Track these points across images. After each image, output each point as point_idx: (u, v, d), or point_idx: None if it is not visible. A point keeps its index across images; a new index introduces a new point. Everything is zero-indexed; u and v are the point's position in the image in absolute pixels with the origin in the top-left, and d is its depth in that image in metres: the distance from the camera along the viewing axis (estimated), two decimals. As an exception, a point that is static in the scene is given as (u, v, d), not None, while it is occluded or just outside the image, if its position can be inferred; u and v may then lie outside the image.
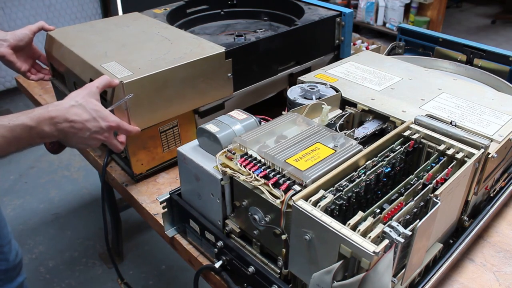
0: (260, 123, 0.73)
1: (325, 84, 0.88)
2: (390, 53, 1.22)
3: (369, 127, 0.78)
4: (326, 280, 0.51)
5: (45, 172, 2.33)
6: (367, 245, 0.47)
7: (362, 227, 0.50)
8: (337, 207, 0.55)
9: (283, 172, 0.59)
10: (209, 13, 1.34)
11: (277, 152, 0.62)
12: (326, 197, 0.55)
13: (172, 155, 0.99)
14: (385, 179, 0.62)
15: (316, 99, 0.82)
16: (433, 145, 0.68)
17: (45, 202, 2.12)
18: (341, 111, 0.83)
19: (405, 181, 0.61)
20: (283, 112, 0.77)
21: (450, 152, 0.66)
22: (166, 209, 0.78)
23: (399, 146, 0.68)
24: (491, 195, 0.81)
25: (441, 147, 0.67)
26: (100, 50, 0.96)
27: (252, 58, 1.02)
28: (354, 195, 0.57)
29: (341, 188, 0.57)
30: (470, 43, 1.11)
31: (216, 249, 0.71)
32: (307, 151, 0.63)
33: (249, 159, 0.62)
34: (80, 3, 3.05)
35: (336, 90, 0.86)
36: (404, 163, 0.67)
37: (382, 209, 0.55)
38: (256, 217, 0.62)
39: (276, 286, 0.61)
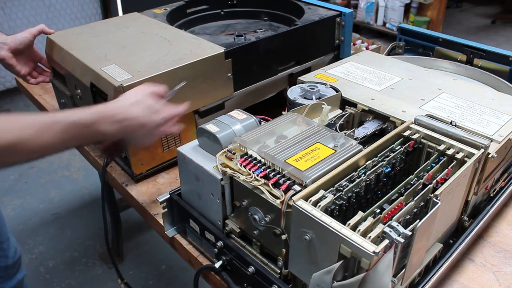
0: (260, 123, 0.73)
1: (325, 84, 0.88)
2: (390, 53, 1.22)
3: (369, 127, 0.78)
4: (326, 280, 0.51)
5: (45, 172, 2.33)
6: (367, 245, 0.47)
7: (362, 227, 0.50)
8: (337, 207, 0.55)
9: (283, 172, 0.59)
10: (209, 13, 1.34)
11: (277, 152, 0.62)
12: (326, 197, 0.55)
13: (172, 155, 0.99)
14: (385, 179, 0.62)
15: (316, 99, 0.82)
16: (433, 145, 0.68)
17: (45, 202, 2.12)
18: (341, 111, 0.83)
19: (405, 181, 0.61)
20: (283, 112, 0.77)
21: (450, 152, 0.66)
22: (166, 209, 0.78)
23: (399, 146, 0.68)
24: (491, 195, 0.81)
25: (441, 147, 0.67)
26: (100, 52, 0.96)
27: (252, 58, 1.02)
28: (354, 195, 0.57)
29: (341, 188, 0.57)
30: (470, 43, 1.11)
31: (216, 249, 0.71)
32: (307, 151, 0.63)
33: (249, 159, 0.62)
34: (80, 3, 3.04)
35: (336, 90, 0.86)
36: (404, 163, 0.67)
37: (382, 209, 0.55)
38: (256, 217, 0.62)
39: (276, 286, 0.61)
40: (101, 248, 1.85)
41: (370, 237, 0.48)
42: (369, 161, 0.63)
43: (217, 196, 0.67)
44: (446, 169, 0.62)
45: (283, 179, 0.58)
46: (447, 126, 0.70)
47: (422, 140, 0.70)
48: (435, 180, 0.60)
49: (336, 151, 0.63)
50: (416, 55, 1.19)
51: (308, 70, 1.17)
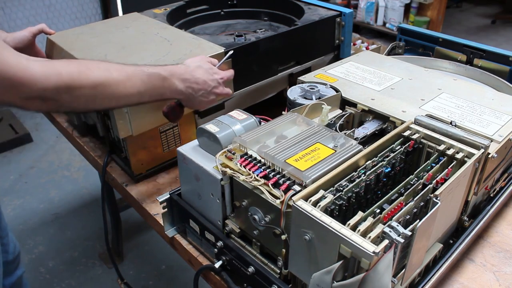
0: (260, 123, 0.73)
1: (325, 84, 0.88)
2: (390, 53, 1.22)
3: (369, 127, 0.78)
4: (326, 280, 0.51)
5: (45, 172, 2.33)
6: (367, 245, 0.47)
7: (362, 227, 0.50)
8: (337, 207, 0.55)
9: (283, 172, 0.59)
10: (209, 13, 1.34)
11: (277, 152, 0.62)
12: (326, 197, 0.55)
13: (172, 155, 0.99)
14: (385, 179, 0.62)
15: (316, 99, 0.82)
16: (433, 145, 0.68)
17: (45, 202, 2.12)
18: (341, 111, 0.83)
19: (405, 181, 0.61)
20: (283, 112, 0.77)
21: (450, 152, 0.66)
22: (166, 209, 0.78)
23: (399, 146, 0.68)
24: (491, 195, 0.81)
25: (441, 147, 0.67)
26: (100, 53, 0.96)
27: (252, 58, 1.02)
28: (354, 195, 0.57)
29: (341, 188, 0.57)
30: (470, 43, 1.11)
31: (216, 249, 0.71)
32: (307, 151, 0.63)
33: (249, 159, 0.62)
34: (80, 3, 3.04)
35: (336, 90, 0.86)
36: (404, 163, 0.67)
37: (382, 209, 0.55)
38: (256, 217, 0.62)
39: (276, 286, 0.61)
40: (101, 248, 1.85)
41: (370, 237, 0.48)
42: (369, 161, 0.63)
43: (217, 196, 0.67)
44: (446, 169, 0.62)
45: (283, 179, 0.58)
46: (447, 126, 0.70)
47: (422, 140, 0.70)
48: (435, 180, 0.60)
49: (336, 151, 0.63)
50: (416, 55, 1.19)
51: (308, 70, 1.17)
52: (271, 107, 1.04)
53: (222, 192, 0.66)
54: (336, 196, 0.55)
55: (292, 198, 0.54)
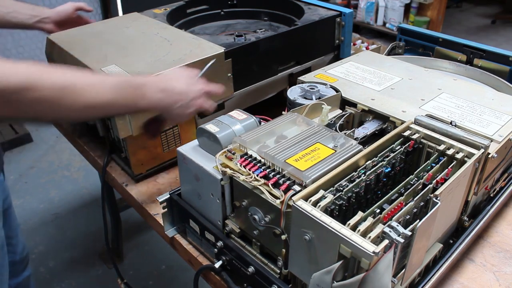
0: (260, 123, 0.73)
1: (325, 84, 0.88)
2: (390, 53, 1.22)
3: (369, 127, 0.78)
4: (326, 280, 0.51)
5: (45, 172, 2.33)
6: (367, 245, 0.47)
7: (362, 227, 0.50)
8: (337, 207, 0.55)
9: (283, 172, 0.59)
10: (209, 13, 1.34)
11: (277, 152, 0.62)
12: (326, 197, 0.55)
13: (172, 155, 0.99)
14: (385, 179, 0.62)
15: (316, 99, 0.82)
16: (433, 145, 0.68)
17: (45, 202, 2.12)
18: (341, 111, 0.83)
19: (405, 181, 0.61)
20: (283, 112, 0.77)
21: (450, 152, 0.66)
22: (166, 209, 0.78)
23: (399, 146, 0.68)
24: (491, 195, 0.81)
25: (441, 147, 0.67)
26: (100, 53, 0.96)
27: (252, 58, 1.02)
28: (354, 195, 0.57)
29: (341, 188, 0.57)
30: (470, 43, 1.11)
31: (216, 249, 0.71)
32: (307, 151, 0.63)
33: (249, 159, 0.62)
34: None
35: (336, 90, 0.86)
36: (404, 163, 0.67)
37: (382, 209, 0.55)
38: (256, 217, 0.62)
39: (276, 286, 0.61)
40: (101, 248, 1.85)
41: (370, 237, 0.48)
42: (369, 161, 0.63)
43: (217, 196, 0.67)
44: (446, 169, 0.62)
45: (283, 179, 0.58)
46: (447, 126, 0.70)
47: (422, 140, 0.70)
48: (435, 180, 0.60)
49: (336, 151, 0.63)
50: (416, 55, 1.19)
51: (308, 70, 1.17)
52: (271, 107, 1.04)
53: (222, 192, 0.66)
54: (336, 196, 0.55)
55: (292, 198, 0.54)
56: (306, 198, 0.54)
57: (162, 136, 0.95)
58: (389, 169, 0.63)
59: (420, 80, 0.92)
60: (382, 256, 0.47)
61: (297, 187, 0.57)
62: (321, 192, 0.55)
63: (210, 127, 0.70)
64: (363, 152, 0.63)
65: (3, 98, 0.57)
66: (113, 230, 1.70)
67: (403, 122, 0.75)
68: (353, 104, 0.83)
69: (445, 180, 0.60)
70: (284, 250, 0.60)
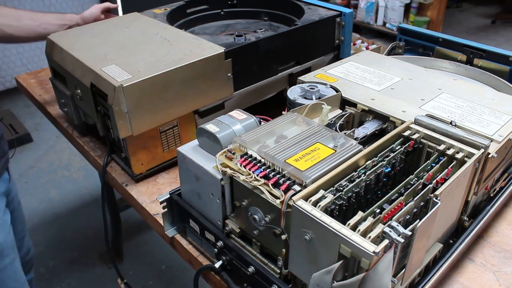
0: (260, 123, 0.73)
1: (325, 84, 0.88)
2: (390, 53, 1.22)
3: (369, 127, 0.78)
4: (326, 280, 0.51)
5: (45, 172, 2.33)
6: (367, 245, 0.47)
7: (362, 227, 0.50)
8: (337, 207, 0.55)
9: (283, 172, 0.59)
10: (209, 13, 1.34)
11: (277, 152, 0.62)
12: (326, 197, 0.55)
13: (172, 155, 0.99)
14: (385, 179, 0.62)
15: (316, 99, 0.82)
16: (433, 145, 0.68)
17: (45, 202, 2.12)
18: (341, 111, 0.83)
19: (405, 181, 0.61)
20: (283, 112, 0.77)
21: (450, 152, 0.66)
22: (166, 209, 0.78)
23: (399, 146, 0.68)
24: (491, 195, 0.81)
25: (441, 147, 0.67)
26: (100, 53, 0.96)
27: (252, 58, 1.02)
28: (354, 195, 0.57)
29: (341, 188, 0.57)
30: (470, 43, 1.11)
31: (216, 249, 0.71)
32: (307, 151, 0.63)
33: (249, 159, 0.62)
34: (80, 3, 3.04)
35: (336, 90, 0.86)
36: (404, 163, 0.67)
37: (382, 209, 0.55)
38: (256, 217, 0.62)
39: (276, 286, 0.61)
40: (101, 248, 1.85)
41: (370, 237, 0.48)
42: (369, 161, 0.63)
43: (217, 196, 0.67)
44: (446, 169, 0.62)
45: (283, 179, 0.58)
46: (447, 126, 0.70)
47: (422, 140, 0.70)
48: (435, 180, 0.60)
49: (336, 151, 0.63)
50: (416, 55, 1.19)
51: (308, 70, 1.17)
52: (271, 107, 1.04)
53: (222, 192, 0.66)
54: (336, 196, 0.55)
55: (292, 198, 0.54)
56: (306, 198, 0.54)
57: (162, 136, 0.95)
58: (389, 169, 0.63)
59: (420, 80, 0.92)
60: (382, 256, 0.47)
61: (297, 187, 0.57)
62: (321, 192, 0.55)
63: (210, 127, 0.70)
64: (363, 152, 0.63)
65: None
66: (113, 230, 1.70)
67: (403, 122, 0.75)
68: (353, 104, 0.83)
69: (445, 180, 0.60)
70: (284, 250, 0.60)
